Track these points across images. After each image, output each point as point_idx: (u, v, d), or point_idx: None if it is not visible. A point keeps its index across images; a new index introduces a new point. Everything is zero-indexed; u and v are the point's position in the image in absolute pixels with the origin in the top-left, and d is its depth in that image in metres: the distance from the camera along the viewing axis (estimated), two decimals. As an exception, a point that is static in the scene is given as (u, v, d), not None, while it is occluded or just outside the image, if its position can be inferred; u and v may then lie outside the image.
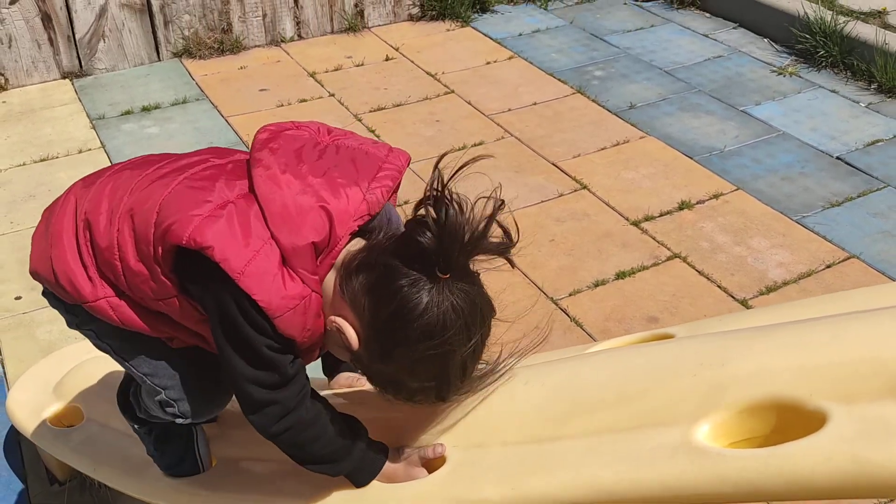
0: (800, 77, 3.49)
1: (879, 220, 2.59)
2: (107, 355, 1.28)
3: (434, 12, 4.02)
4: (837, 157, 2.92)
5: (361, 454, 1.18)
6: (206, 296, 1.07)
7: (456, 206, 1.00)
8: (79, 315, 1.22)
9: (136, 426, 1.41)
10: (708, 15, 4.09)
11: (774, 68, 3.56)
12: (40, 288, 1.29)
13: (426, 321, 1.00)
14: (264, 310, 1.02)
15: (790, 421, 0.89)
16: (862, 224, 2.57)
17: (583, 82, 3.48)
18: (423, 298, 1.00)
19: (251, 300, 1.02)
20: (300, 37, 3.82)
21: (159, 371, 1.21)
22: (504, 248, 1.04)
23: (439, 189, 1.00)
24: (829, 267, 2.40)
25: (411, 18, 4.04)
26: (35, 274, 1.23)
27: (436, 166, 1.02)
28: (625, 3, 4.26)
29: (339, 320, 1.06)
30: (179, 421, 1.24)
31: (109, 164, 1.27)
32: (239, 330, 1.04)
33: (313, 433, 1.14)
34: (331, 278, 1.08)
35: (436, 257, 1.00)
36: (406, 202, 1.34)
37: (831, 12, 3.55)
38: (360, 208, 1.09)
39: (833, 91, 3.36)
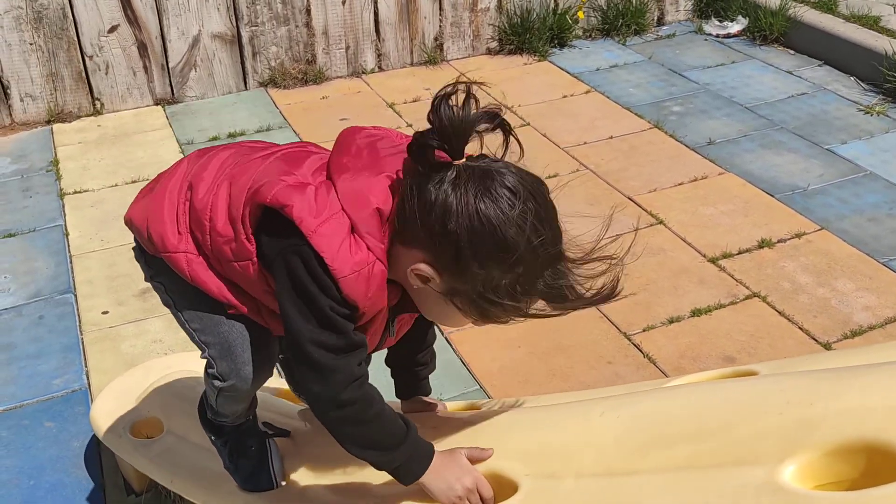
0: (888, 116, 3.38)
1: (974, 266, 2.47)
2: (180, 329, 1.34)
3: (512, 46, 4.06)
4: (928, 199, 2.82)
5: (415, 443, 1.19)
6: (278, 257, 1.12)
7: (446, 104, 1.07)
8: (155, 267, 1.30)
9: (213, 437, 1.45)
10: (792, 52, 4.02)
11: (861, 107, 3.46)
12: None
13: (468, 201, 1.02)
14: (331, 269, 1.07)
15: (880, 464, 0.86)
16: (955, 269, 2.46)
17: (660, 117, 3.45)
18: (453, 187, 1.04)
19: (320, 259, 1.07)
20: (381, 69, 3.91)
21: (207, 328, 1.28)
22: (493, 115, 1.08)
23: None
24: (918, 312, 2.30)
25: (489, 52, 4.09)
26: (129, 222, 1.31)
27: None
28: (705, 40, 4.23)
29: (414, 266, 1.09)
30: (217, 384, 1.29)
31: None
32: (306, 288, 1.09)
33: (376, 411, 1.17)
34: (395, 243, 1.11)
35: (442, 146, 1.05)
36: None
37: (923, 50, 3.44)
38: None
39: (924, 131, 3.24)
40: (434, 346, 1.49)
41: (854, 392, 0.94)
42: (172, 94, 3.67)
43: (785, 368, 1.18)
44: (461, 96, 1.08)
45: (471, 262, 1.04)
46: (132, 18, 3.46)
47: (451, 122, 1.06)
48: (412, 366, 1.48)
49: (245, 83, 3.75)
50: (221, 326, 1.27)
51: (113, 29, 3.46)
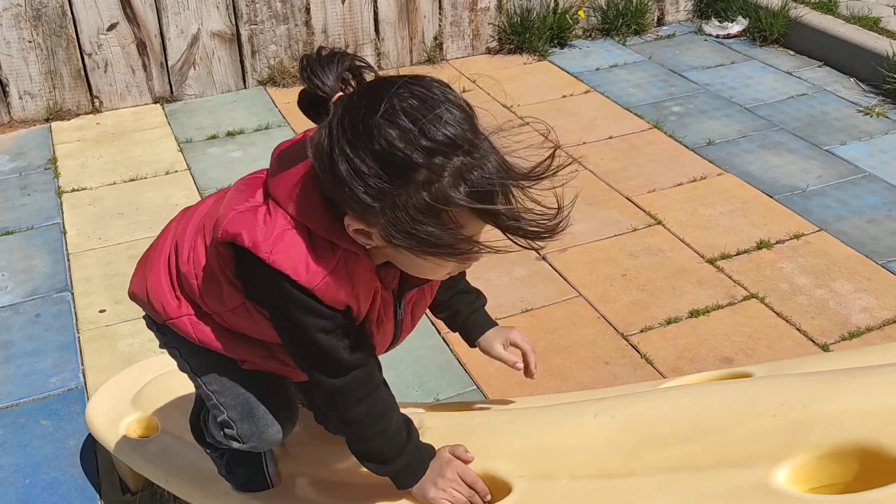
0: (888, 118, 3.38)
1: (973, 268, 2.47)
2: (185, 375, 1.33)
3: (512, 46, 4.05)
4: (928, 201, 2.81)
5: (414, 451, 1.20)
6: (256, 291, 1.11)
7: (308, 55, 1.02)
8: (166, 334, 1.29)
9: (207, 450, 1.44)
10: (792, 53, 4.01)
11: (861, 108, 3.46)
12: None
13: (337, 139, 0.94)
14: (301, 284, 1.03)
15: (873, 467, 0.85)
16: (954, 271, 2.46)
17: (660, 117, 3.45)
18: (328, 124, 0.97)
19: (289, 280, 1.03)
20: (380, 67, 3.91)
21: (226, 390, 1.26)
22: (346, 54, 1.00)
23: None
24: (917, 314, 2.30)
25: (489, 52, 4.08)
26: (133, 295, 1.31)
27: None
28: (705, 40, 4.22)
29: (347, 225, 1.00)
30: (235, 445, 1.28)
31: (194, 185, 1.38)
32: (290, 316, 1.07)
33: (380, 428, 1.17)
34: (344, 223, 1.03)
35: (311, 84, 0.99)
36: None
37: (923, 52, 3.44)
38: None
39: (924, 132, 3.24)
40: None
41: (848, 395, 0.93)
42: (171, 92, 3.66)
43: (780, 370, 1.18)
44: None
45: (370, 195, 0.94)
46: (131, 17, 3.46)
47: (308, 61, 1.00)
48: (458, 304, 1.40)
49: (244, 82, 3.75)
50: (239, 385, 1.26)
51: (112, 27, 3.45)
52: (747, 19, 4.19)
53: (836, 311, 2.33)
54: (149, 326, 1.36)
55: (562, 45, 4.15)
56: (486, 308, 1.44)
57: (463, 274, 1.37)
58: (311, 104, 1.02)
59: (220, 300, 1.17)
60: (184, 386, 1.73)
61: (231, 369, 1.25)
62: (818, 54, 3.89)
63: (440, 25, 3.93)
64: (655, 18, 4.38)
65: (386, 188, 0.93)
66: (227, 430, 1.28)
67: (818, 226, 2.69)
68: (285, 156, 1.11)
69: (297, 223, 1.04)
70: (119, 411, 1.76)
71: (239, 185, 1.17)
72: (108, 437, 1.71)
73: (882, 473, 0.85)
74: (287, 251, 1.03)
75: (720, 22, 4.30)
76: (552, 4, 4.11)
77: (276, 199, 1.07)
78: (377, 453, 1.19)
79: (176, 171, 3.14)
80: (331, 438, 1.45)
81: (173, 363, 1.93)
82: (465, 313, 1.41)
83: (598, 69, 3.93)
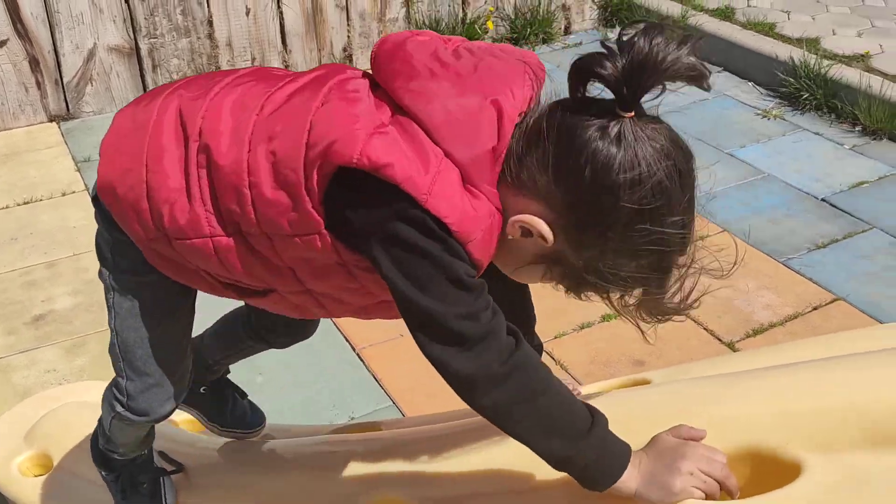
0: (784, 120, 3.51)
1: (866, 262, 2.58)
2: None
3: (422, 56, 4.05)
4: (822, 199, 2.92)
5: (605, 431, 0.91)
6: (376, 229, 0.87)
7: (647, 30, 0.82)
8: (126, 259, 1.08)
9: (104, 473, 1.37)
10: (693, 58, 4.13)
11: (759, 111, 3.59)
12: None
13: (628, 167, 0.82)
14: (456, 234, 0.85)
15: (766, 471, 0.86)
16: (848, 266, 2.56)
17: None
18: (618, 144, 0.83)
19: (440, 223, 0.85)
20: (288, 80, 3.85)
21: (142, 342, 1.14)
22: (699, 73, 0.84)
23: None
24: (815, 309, 2.38)
25: (399, 62, 4.07)
26: (110, 193, 1.04)
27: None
28: (611, 48, 4.32)
29: (524, 217, 0.87)
30: (119, 409, 1.18)
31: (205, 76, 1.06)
32: (432, 257, 0.86)
33: (544, 374, 0.92)
34: (500, 184, 0.90)
35: (618, 87, 0.83)
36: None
37: (815, 56, 3.59)
38: (523, 100, 0.91)
39: (817, 134, 3.37)
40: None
41: (739, 399, 0.95)
42: (67, 109, 3.51)
43: (679, 375, 1.19)
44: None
45: (610, 239, 0.85)
46: (22, 32, 3.30)
47: (647, 61, 0.81)
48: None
49: (147, 97, 3.63)
50: (157, 348, 1.12)
51: (2, 44, 3.29)
52: (650, 27, 4.30)
53: (741, 310, 2.39)
54: (99, 242, 1.11)
55: (472, 55, 4.17)
56: None
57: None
58: (587, 79, 0.85)
59: (286, 221, 0.92)
60: (80, 418, 1.65)
61: (160, 321, 1.12)
62: (718, 60, 4.01)
63: (349, 36, 3.90)
64: (563, 27, 4.45)
65: (627, 237, 0.85)
66: (118, 395, 1.17)
67: (722, 226, 2.77)
68: (426, 61, 0.90)
69: (451, 157, 0.86)
70: (11, 448, 1.66)
71: (329, 88, 0.93)
72: (0, 475, 1.61)
73: (775, 476, 0.86)
74: (447, 195, 0.85)
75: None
76: (461, 14, 4.13)
77: (424, 117, 0.87)
78: (559, 420, 0.90)
79: (73, 192, 3.01)
80: (239, 468, 1.40)
81: (72, 395, 1.85)
82: None
83: (508, 78, 3.96)
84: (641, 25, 0.84)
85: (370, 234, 0.88)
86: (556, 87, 0.95)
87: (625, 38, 0.84)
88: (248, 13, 3.64)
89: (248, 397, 1.55)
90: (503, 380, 0.89)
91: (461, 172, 0.87)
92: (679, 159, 0.87)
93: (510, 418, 0.91)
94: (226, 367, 1.50)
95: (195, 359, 1.30)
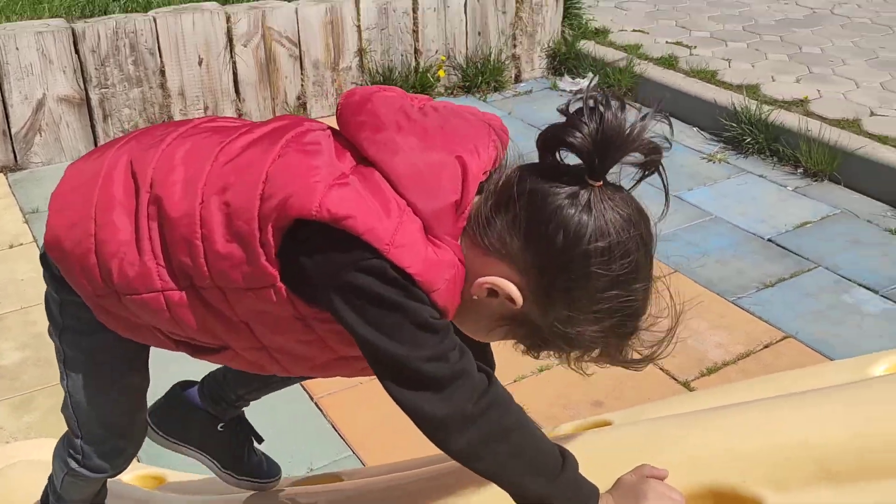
0: (729, 163, 3.62)
1: (812, 300, 2.65)
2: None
3: (376, 104, 4.09)
4: (769, 240, 3.01)
5: (575, 471, 0.93)
6: (334, 279, 0.86)
7: (612, 100, 0.85)
8: (75, 319, 1.06)
9: None
10: (639, 106, 4.25)
11: (705, 155, 3.70)
12: None
13: (598, 235, 0.85)
14: (420, 283, 0.85)
15: (727, 510, 0.88)
16: (795, 304, 2.63)
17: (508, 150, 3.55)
18: (589, 212, 0.85)
19: (404, 273, 0.84)
20: (242, 129, 3.85)
21: (93, 400, 1.11)
22: (657, 151, 0.88)
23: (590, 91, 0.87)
24: (766, 347, 2.44)
25: (353, 110, 4.10)
26: (57, 248, 1.01)
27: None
28: (560, 95, 4.42)
29: (492, 279, 0.88)
30: (73, 465, 1.16)
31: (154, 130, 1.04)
32: (394, 302, 0.85)
33: (516, 412, 0.93)
34: (464, 241, 0.90)
35: (589, 158, 0.85)
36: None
37: (756, 102, 3.72)
38: (488, 159, 0.93)
39: (761, 176, 3.49)
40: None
41: (698, 439, 0.96)
42: (16, 160, 3.46)
43: (637, 417, 1.21)
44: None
45: (577, 303, 0.87)
46: (-31, 82, 3.26)
47: (615, 134, 0.86)
48: None
49: (96, 147, 3.59)
50: (108, 401, 1.11)
51: (-53, 94, 3.24)
52: (597, 76, 4.42)
53: (695, 349, 2.44)
54: (50, 296, 1.08)
55: (425, 103, 4.23)
56: None
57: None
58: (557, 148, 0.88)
59: (240, 275, 0.91)
60: (30, 477, 1.59)
61: (115, 381, 1.10)
62: (664, 106, 4.14)
63: (302, 85, 3.93)
64: (513, 76, 4.55)
65: (596, 303, 0.88)
66: (72, 453, 1.14)
67: (673, 268, 2.83)
68: (393, 114, 0.92)
69: (413, 207, 0.86)
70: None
71: (287, 140, 0.93)
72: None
73: (735, 514, 0.87)
74: (409, 243, 0.85)
75: (573, 78, 4.52)
76: (413, 63, 4.20)
77: (388, 168, 0.87)
78: (536, 458, 0.92)
79: (21, 244, 2.95)
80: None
81: (20, 454, 1.78)
82: None
83: (461, 125, 4.02)
84: (597, 91, 0.88)
85: (329, 286, 0.87)
86: (520, 149, 0.97)
87: (582, 104, 0.88)
88: (200, 63, 3.65)
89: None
90: (477, 418, 0.89)
91: (423, 223, 0.87)
92: (644, 227, 0.91)
93: (484, 457, 0.90)
94: (248, 403, 1.40)
95: (215, 393, 1.28)
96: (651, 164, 0.90)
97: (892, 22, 5.03)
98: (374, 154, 0.89)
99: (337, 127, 0.97)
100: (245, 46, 3.68)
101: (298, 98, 3.94)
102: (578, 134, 0.86)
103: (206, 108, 3.73)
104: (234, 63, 3.71)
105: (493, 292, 0.90)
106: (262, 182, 0.90)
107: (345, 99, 0.97)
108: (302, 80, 3.92)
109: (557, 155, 0.90)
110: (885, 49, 4.53)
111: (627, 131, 0.86)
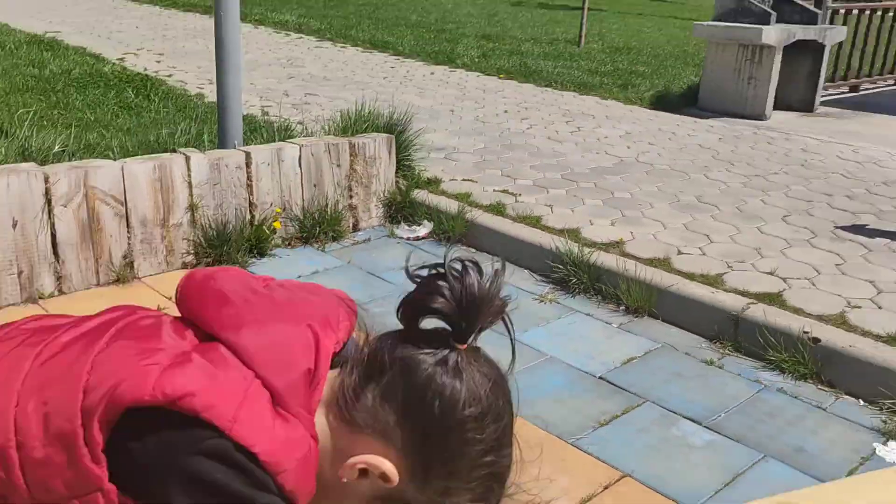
0: (559, 303, 3.80)
1: (644, 436, 2.75)
2: None
3: (210, 259, 4.00)
4: (600, 377, 3.13)
5: None
6: (173, 468, 0.79)
7: (468, 265, 0.88)
8: None
9: None
10: (473, 250, 4.43)
11: (536, 296, 3.86)
12: None
13: (472, 400, 0.86)
14: (265, 464, 0.80)
15: None
16: (630, 441, 2.72)
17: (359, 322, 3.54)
18: (459, 377, 0.85)
19: (248, 453, 0.79)
20: (62, 292, 3.62)
21: None
22: (503, 307, 0.92)
23: (448, 262, 0.90)
24: (606, 488, 2.48)
25: (185, 266, 3.99)
26: None
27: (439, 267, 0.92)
28: (398, 242, 4.52)
29: (364, 457, 0.85)
30: None
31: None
32: (237, 493, 0.78)
33: None
34: (322, 417, 0.87)
35: (456, 322, 0.87)
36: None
37: (577, 244, 3.97)
38: (341, 329, 0.92)
39: (588, 315, 3.67)
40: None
41: None
42: None
43: None
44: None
45: (454, 469, 0.86)
46: None
47: (478, 298, 0.88)
48: None
49: None
50: None
51: None
52: (432, 223, 4.58)
53: (541, 498, 2.43)
54: None
55: (262, 255, 4.19)
56: None
57: None
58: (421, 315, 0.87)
59: (61, 482, 0.83)
60: None
61: None
62: (495, 250, 4.32)
63: (129, 243, 3.79)
64: (351, 225, 4.62)
65: (472, 473, 0.88)
66: None
67: (515, 413, 2.86)
68: (235, 284, 0.90)
69: (262, 379, 0.83)
70: None
71: (126, 330, 0.88)
72: None
73: None
74: (253, 419, 0.80)
75: (409, 226, 4.65)
76: (248, 217, 4.17)
77: (236, 342, 0.84)
78: None
79: None
80: None
81: None
82: None
83: (299, 276, 3.99)
84: (455, 259, 0.92)
85: (166, 476, 0.81)
86: (372, 317, 0.99)
87: (434, 270, 0.91)
88: (14, 225, 3.45)
89: None
90: None
91: (273, 396, 0.84)
92: (506, 389, 0.94)
93: None
94: None
95: None
96: (501, 317, 0.94)
97: (687, 168, 5.61)
98: (219, 329, 0.87)
99: (177, 309, 0.95)
100: (65, 207, 3.52)
101: (125, 257, 3.79)
102: (441, 299, 0.89)
103: (20, 273, 3.49)
104: (52, 224, 3.53)
105: (363, 473, 0.88)
106: (86, 372, 0.84)
107: (184, 281, 0.96)
108: (129, 238, 3.78)
109: (419, 322, 0.91)
110: (683, 193, 5.02)
111: (488, 293, 0.90)
